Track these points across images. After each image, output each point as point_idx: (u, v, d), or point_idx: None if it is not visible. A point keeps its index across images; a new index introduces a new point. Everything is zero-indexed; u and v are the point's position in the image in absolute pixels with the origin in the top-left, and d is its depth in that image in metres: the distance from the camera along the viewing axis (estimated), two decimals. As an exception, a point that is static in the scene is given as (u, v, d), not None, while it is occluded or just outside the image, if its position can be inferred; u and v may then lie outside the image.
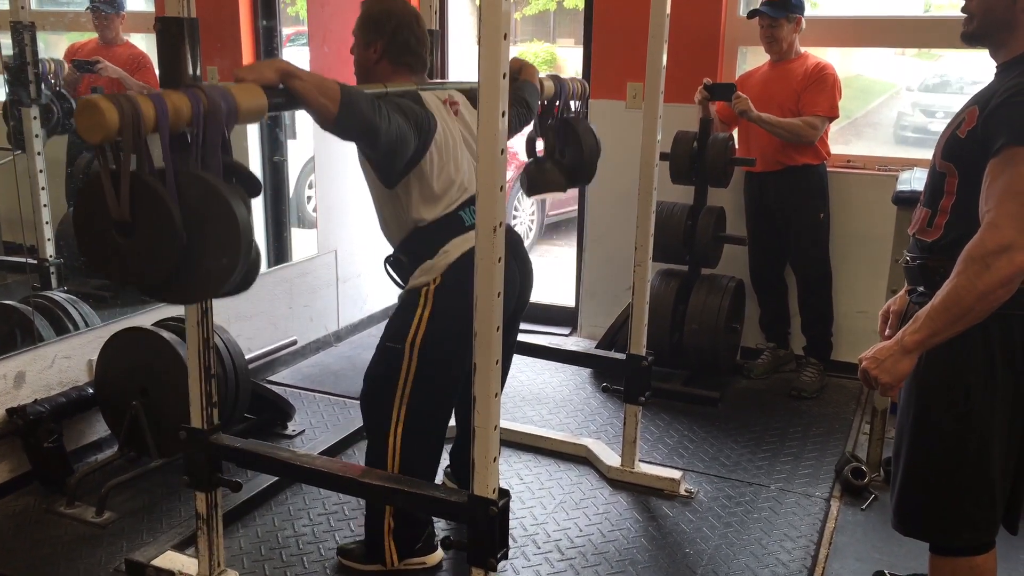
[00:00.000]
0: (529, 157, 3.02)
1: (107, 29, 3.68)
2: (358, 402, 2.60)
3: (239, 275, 1.69)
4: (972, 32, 1.82)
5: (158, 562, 2.48)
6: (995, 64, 1.82)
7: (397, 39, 2.35)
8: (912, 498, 1.90)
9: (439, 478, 2.92)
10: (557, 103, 2.96)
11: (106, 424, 3.08)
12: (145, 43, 3.77)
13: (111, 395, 2.97)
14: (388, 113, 2.07)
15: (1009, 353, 1.75)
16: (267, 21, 4.14)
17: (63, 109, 3.40)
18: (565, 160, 2.98)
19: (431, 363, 2.32)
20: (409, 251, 2.39)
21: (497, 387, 1.86)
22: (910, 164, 3.78)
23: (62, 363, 3.08)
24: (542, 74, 2.86)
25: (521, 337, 2.96)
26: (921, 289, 1.88)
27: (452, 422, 2.78)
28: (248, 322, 3.77)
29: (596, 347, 4.14)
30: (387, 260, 2.47)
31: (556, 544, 2.71)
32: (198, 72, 1.88)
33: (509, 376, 3.01)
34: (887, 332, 1.97)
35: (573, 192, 4.91)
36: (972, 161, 1.72)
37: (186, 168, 1.65)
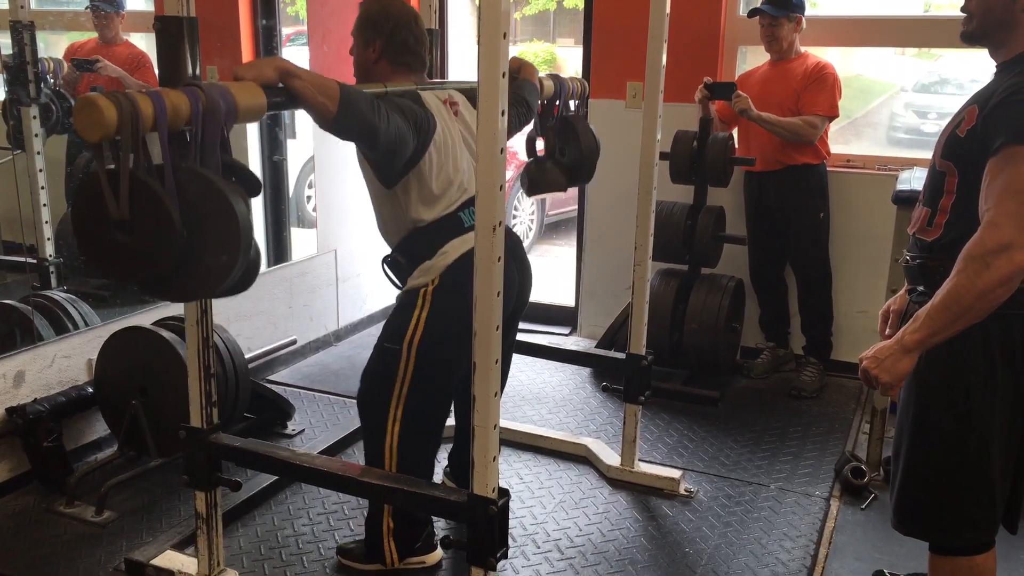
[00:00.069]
0: (529, 157, 3.02)
1: (107, 28, 3.68)
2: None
3: (239, 272, 1.69)
4: (972, 32, 1.83)
5: (158, 561, 2.48)
6: (994, 64, 1.82)
7: (395, 39, 2.34)
8: (912, 497, 1.90)
9: (439, 478, 2.92)
10: (557, 102, 2.96)
11: (106, 423, 3.08)
12: (145, 42, 3.77)
13: (111, 394, 2.97)
14: (387, 113, 2.07)
15: (1009, 352, 1.75)
16: (267, 20, 4.14)
17: (62, 108, 3.41)
18: (564, 159, 2.98)
19: (428, 364, 2.31)
20: (407, 252, 2.38)
21: (497, 386, 1.86)
22: (910, 164, 3.78)
23: (62, 362, 3.08)
24: (541, 73, 2.86)
25: (521, 337, 2.96)
26: (921, 288, 1.88)
27: (450, 421, 2.79)
28: (248, 321, 3.77)
29: (596, 347, 4.14)
30: (385, 261, 2.47)
31: (556, 543, 2.71)
32: (197, 71, 1.88)
33: (509, 376, 3.01)
34: (887, 331, 1.97)
35: (573, 191, 4.92)
36: (972, 160, 1.72)
37: (185, 165, 1.65)
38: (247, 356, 3.24)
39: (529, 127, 2.92)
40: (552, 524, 2.82)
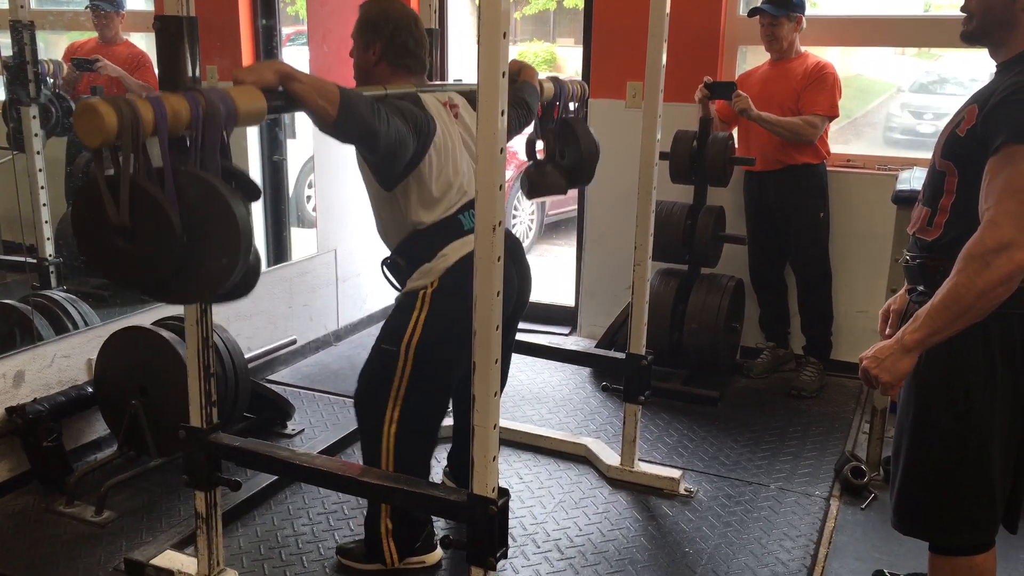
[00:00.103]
0: (529, 159, 3.02)
1: (107, 28, 3.68)
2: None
3: (239, 275, 1.69)
4: (971, 31, 1.83)
5: (157, 561, 2.48)
6: (994, 63, 1.82)
7: (395, 41, 2.34)
8: (912, 497, 1.90)
9: (438, 478, 2.92)
10: (557, 104, 2.96)
11: (105, 423, 3.08)
12: (145, 42, 3.77)
13: (110, 394, 2.97)
14: (387, 116, 2.07)
15: (1009, 352, 1.75)
16: (267, 20, 4.14)
17: (62, 109, 3.40)
18: (564, 162, 2.98)
19: (426, 365, 2.31)
20: (407, 254, 2.38)
21: (496, 386, 1.86)
22: (910, 163, 3.78)
23: (61, 362, 3.08)
24: (541, 75, 2.86)
25: (521, 337, 2.96)
26: (921, 288, 1.88)
27: (449, 421, 2.79)
28: (248, 321, 3.77)
29: (596, 346, 4.14)
30: (384, 263, 2.47)
31: (555, 543, 2.71)
32: (197, 71, 1.88)
33: (509, 375, 3.01)
34: (887, 331, 1.97)
35: (573, 192, 4.89)
36: (972, 160, 1.72)
37: (184, 168, 1.65)
38: (247, 356, 3.25)
39: (529, 129, 2.92)
40: (552, 524, 2.82)
